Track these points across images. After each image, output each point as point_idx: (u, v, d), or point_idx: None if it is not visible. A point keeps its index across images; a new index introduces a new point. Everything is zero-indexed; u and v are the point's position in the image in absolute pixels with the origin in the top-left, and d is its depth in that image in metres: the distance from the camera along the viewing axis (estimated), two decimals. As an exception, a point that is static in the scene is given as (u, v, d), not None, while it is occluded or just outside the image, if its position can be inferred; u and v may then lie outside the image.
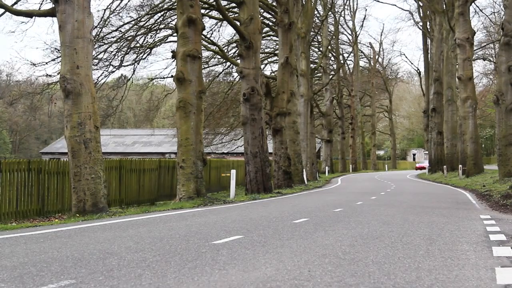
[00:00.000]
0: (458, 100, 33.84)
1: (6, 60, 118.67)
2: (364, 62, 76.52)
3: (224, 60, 34.52)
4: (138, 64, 30.15)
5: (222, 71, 37.88)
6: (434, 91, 43.82)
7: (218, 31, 67.69)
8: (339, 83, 62.38)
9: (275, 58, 39.90)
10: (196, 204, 15.14)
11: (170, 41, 31.25)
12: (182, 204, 14.95)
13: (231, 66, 35.87)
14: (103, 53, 27.93)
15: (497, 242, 7.03)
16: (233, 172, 19.44)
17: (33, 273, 5.02)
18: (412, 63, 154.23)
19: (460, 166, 32.16)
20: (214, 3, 23.77)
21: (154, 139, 61.13)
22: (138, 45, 29.43)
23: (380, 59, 77.48)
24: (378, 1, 77.82)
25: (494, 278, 4.74)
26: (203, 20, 19.36)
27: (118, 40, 27.82)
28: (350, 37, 67.32)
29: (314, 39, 49.50)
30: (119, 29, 27.74)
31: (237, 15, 24.90)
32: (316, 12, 44.75)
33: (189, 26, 17.38)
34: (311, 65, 44.92)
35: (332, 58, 60.34)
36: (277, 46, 36.14)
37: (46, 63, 26.09)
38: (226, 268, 5.16)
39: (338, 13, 57.17)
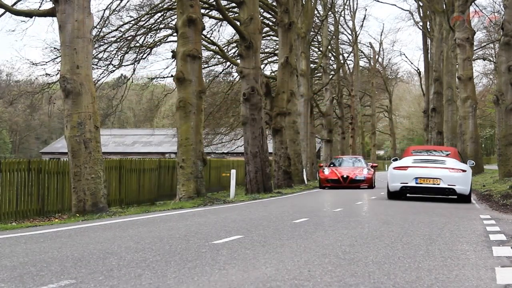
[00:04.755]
0: (458, 100, 33.81)
1: (6, 59, 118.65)
2: (364, 62, 76.43)
3: (224, 60, 34.48)
4: (138, 64, 30.15)
5: (222, 71, 37.87)
6: (434, 91, 43.78)
7: (218, 31, 67.75)
8: (339, 83, 62.31)
9: (275, 58, 39.86)
10: (196, 204, 15.13)
11: (170, 41, 31.22)
12: (182, 204, 14.94)
13: (231, 66, 35.84)
14: (103, 52, 27.96)
15: (497, 242, 7.03)
16: (233, 172, 19.44)
17: (33, 273, 5.02)
18: (412, 63, 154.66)
19: (460, 166, 32.09)
20: (214, 3, 23.75)
21: (154, 139, 61.08)
22: (138, 45, 29.43)
23: (380, 59, 77.41)
24: (378, 1, 77.90)
25: (494, 278, 4.74)
26: (203, 20, 19.34)
27: (118, 40, 27.82)
28: (350, 37, 67.22)
29: (314, 39, 49.45)
30: (119, 28, 27.76)
31: (237, 15, 24.89)
32: (316, 12, 44.71)
33: (189, 26, 17.37)
34: (311, 65, 44.88)
35: (332, 58, 60.25)
36: (277, 46, 36.10)
37: (46, 62, 26.11)
38: (226, 268, 5.16)
39: (338, 13, 57.05)
